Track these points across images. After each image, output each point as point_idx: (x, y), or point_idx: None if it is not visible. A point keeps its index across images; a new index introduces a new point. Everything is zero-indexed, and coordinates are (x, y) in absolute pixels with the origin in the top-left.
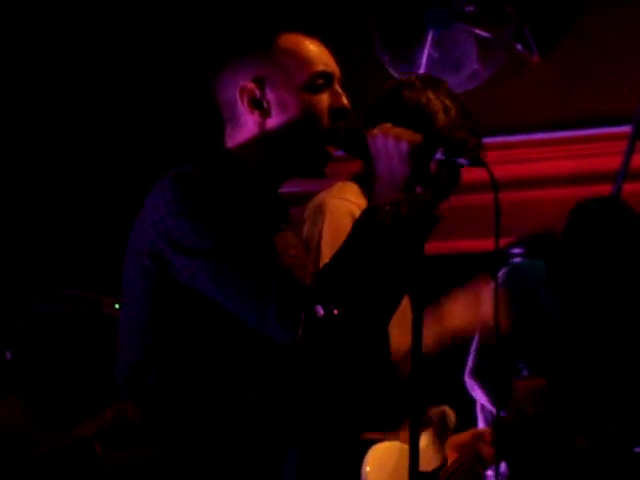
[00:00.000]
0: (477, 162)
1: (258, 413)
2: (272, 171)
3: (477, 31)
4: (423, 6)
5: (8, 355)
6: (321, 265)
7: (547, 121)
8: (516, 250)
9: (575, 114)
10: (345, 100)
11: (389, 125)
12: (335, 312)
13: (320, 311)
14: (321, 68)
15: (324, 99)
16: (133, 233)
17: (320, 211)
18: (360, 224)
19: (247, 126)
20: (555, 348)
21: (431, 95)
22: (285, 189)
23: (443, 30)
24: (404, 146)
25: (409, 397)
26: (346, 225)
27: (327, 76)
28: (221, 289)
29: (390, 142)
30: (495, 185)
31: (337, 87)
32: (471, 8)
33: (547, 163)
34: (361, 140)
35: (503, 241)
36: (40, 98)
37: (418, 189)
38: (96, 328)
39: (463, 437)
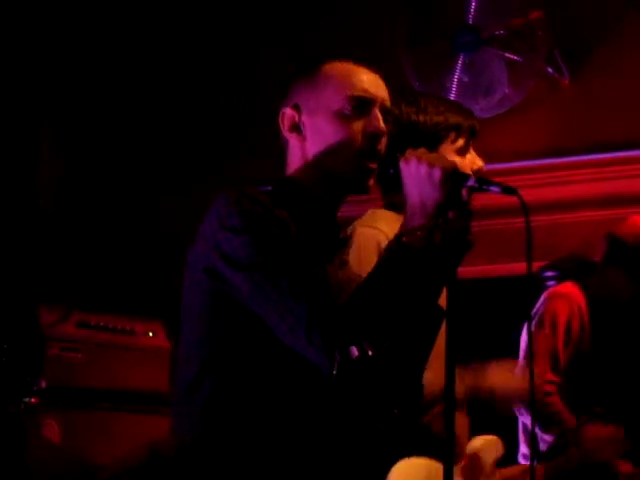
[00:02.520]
0: (508, 190)
1: (308, 443)
2: (321, 192)
3: (508, 55)
4: (453, 30)
5: (43, 384)
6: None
7: (579, 144)
8: (549, 274)
9: (609, 136)
10: (380, 124)
11: (423, 150)
12: (370, 352)
13: (354, 352)
14: (357, 93)
15: (358, 123)
16: (190, 250)
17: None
18: (390, 248)
19: (294, 151)
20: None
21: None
22: None
23: (473, 54)
24: (437, 172)
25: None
26: (371, 254)
27: (363, 101)
28: (259, 304)
29: (423, 167)
30: (526, 211)
31: (376, 112)
32: (502, 32)
33: (579, 186)
34: (394, 164)
35: (536, 265)
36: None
37: (450, 215)
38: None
39: (512, 471)
